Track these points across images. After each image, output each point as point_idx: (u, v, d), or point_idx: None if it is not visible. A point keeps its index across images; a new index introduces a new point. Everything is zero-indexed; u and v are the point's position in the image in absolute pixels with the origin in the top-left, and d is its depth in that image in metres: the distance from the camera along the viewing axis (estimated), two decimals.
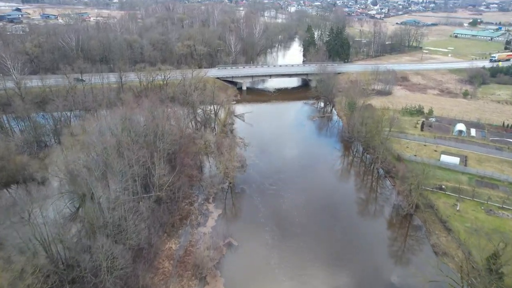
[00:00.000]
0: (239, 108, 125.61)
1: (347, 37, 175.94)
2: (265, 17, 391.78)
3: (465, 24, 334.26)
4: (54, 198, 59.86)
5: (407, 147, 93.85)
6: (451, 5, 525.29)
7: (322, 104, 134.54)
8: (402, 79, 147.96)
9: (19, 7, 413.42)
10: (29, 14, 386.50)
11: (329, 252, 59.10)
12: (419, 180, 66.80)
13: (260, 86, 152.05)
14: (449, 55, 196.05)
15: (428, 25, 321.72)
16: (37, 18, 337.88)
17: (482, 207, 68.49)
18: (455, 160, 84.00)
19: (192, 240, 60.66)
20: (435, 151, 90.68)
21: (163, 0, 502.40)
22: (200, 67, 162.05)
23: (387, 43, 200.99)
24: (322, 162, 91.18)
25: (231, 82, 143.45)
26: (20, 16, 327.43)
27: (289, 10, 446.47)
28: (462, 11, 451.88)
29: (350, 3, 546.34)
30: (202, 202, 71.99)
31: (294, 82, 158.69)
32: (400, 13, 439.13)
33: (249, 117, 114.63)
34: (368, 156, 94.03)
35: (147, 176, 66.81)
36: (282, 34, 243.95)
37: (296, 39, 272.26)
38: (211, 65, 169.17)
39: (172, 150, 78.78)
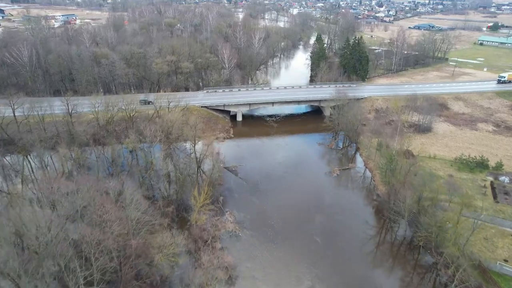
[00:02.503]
0: (232, 149, 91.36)
1: (365, 50, 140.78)
2: (266, 20, 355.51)
3: (484, 29, 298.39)
4: None
5: (485, 238, 59.38)
6: (460, 7, 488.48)
7: (340, 143, 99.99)
8: (440, 106, 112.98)
9: (2, 8, 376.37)
10: (12, 15, 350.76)
11: None
12: None
13: (259, 113, 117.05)
14: (484, 69, 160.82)
15: (444, 30, 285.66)
16: (18, 20, 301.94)
17: None
18: None
19: None
20: None
21: (160, 1, 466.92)
22: (187, 89, 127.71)
23: (405, 52, 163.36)
24: (349, 251, 56.93)
25: (222, 109, 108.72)
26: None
27: (291, 12, 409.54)
28: (475, 13, 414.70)
29: (354, 3, 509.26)
30: None
31: (302, 107, 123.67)
32: (408, 15, 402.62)
33: (244, 168, 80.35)
34: (421, 241, 59.56)
35: None
36: (285, 41, 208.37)
37: (301, 46, 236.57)
38: (199, 85, 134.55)
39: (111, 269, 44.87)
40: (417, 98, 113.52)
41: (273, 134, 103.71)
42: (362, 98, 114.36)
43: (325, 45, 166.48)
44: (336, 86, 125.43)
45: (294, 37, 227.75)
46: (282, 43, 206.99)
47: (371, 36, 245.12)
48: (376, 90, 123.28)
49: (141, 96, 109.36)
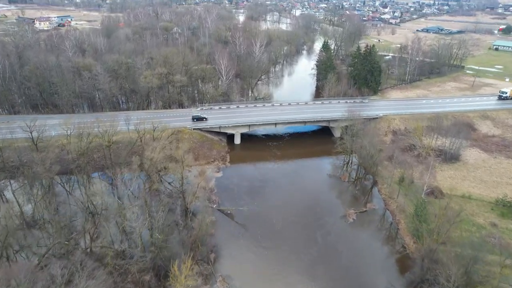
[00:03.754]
0: (228, 182, 76.86)
1: (378, 60, 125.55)
2: (267, 22, 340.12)
3: (495, 32, 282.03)
4: None
5: None
6: (466, 8, 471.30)
7: (353, 170, 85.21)
8: (465, 127, 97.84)
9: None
10: (6, 16, 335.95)
11: None
12: None
13: (260, 132, 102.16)
14: (506, 79, 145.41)
15: (454, 33, 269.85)
16: (11, 21, 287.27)
17: None
18: None
19: None
20: None
21: (159, 2, 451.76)
22: (181, 104, 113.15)
23: (420, 58, 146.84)
24: None
25: (218, 131, 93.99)
26: None
27: (294, 13, 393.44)
28: (482, 15, 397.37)
29: (358, 4, 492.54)
30: None
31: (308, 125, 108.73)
32: (414, 16, 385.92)
33: (242, 210, 65.74)
34: None
35: None
36: (288, 46, 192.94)
37: (304, 52, 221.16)
38: (195, 98, 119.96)
39: None
40: (439, 117, 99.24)
41: (276, 159, 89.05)
42: (377, 118, 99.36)
43: (331, 50, 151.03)
44: (346, 102, 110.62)
45: (298, 41, 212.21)
46: (285, 47, 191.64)
47: (379, 41, 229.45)
48: (391, 106, 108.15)
49: (193, 112, 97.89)
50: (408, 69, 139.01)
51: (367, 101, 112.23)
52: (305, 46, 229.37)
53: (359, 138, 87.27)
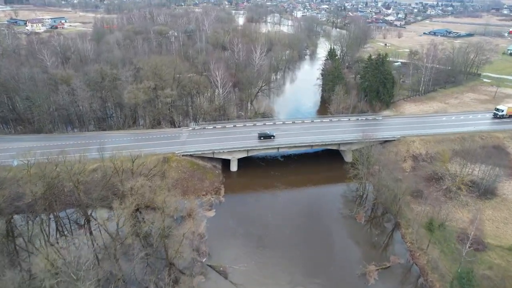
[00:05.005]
0: (221, 224, 63.27)
1: (391, 70, 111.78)
2: (268, 24, 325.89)
3: (506, 34, 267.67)
4: None
5: None
6: (471, 9, 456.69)
7: (369, 207, 71.48)
8: (496, 151, 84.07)
9: None
10: None
11: None
12: None
13: (260, 154, 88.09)
14: None
15: (462, 36, 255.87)
16: (2, 23, 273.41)
17: None
18: None
19: None
20: None
21: (158, 3, 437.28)
22: (172, 122, 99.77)
23: (434, 65, 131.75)
24: None
25: (211, 157, 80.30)
26: None
27: (295, 14, 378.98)
28: (488, 16, 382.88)
29: (360, 5, 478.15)
30: None
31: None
32: (419, 18, 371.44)
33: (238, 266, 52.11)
34: None
35: None
36: (290, 51, 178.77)
37: (307, 57, 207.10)
38: (188, 112, 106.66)
39: None
40: (464, 139, 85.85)
41: (278, 190, 75.59)
42: (393, 140, 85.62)
43: (337, 57, 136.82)
44: (357, 119, 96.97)
45: (300, 46, 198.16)
46: (287, 51, 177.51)
47: (385, 45, 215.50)
48: (408, 125, 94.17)
49: (259, 130, 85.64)
50: (423, 79, 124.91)
51: (380, 118, 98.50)
52: (307, 51, 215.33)
53: (374, 164, 74.24)
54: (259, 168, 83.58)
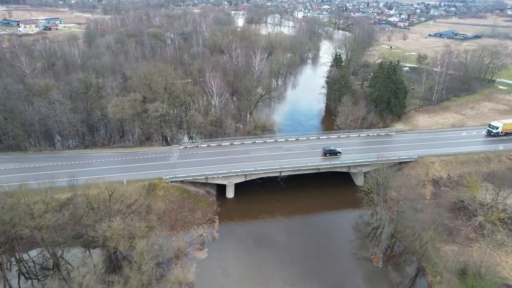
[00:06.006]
0: (215, 269, 52.90)
1: (403, 79, 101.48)
2: (268, 25, 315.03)
3: None
4: None
5: None
6: (474, 9, 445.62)
7: (386, 248, 61.05)
8: None
9: None
10: None
11: None
12: None
13: (258, 180, 77.59)
14: None
15: (469, 38, 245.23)
16: None
17: None
18: None
19: None
20: None
21: (156, 3, 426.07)
22: (164, 137, 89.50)
23: (448, 71, 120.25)
24: None
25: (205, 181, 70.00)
26: None
27: (296, 15, 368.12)
28: (493, 17, 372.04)
29: (361, 6, 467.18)
30: None
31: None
32: (422, 19, 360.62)
33: None
34: None
35: None
36: (291, 55, 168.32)
37: (309, 61, 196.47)
38: (181, 124, 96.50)
39: None
40: (489, 159, 75.74)
41: (281, 220, 65.48)
42: (410, 161, 75.29)
43: (343, 63, 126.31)
44: (368, 135, 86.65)
45: (302, 49, 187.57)
46: (288, 55, 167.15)
47: (390, 47, 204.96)
48: (425, 142, 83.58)
49: (325, 146, 77.62)
50: (436, 87, 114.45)
51: (393, 133, 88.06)
52: (309, 54, 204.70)
53: (390, 190, 64.37)
54: (258, 195, 73.09)
